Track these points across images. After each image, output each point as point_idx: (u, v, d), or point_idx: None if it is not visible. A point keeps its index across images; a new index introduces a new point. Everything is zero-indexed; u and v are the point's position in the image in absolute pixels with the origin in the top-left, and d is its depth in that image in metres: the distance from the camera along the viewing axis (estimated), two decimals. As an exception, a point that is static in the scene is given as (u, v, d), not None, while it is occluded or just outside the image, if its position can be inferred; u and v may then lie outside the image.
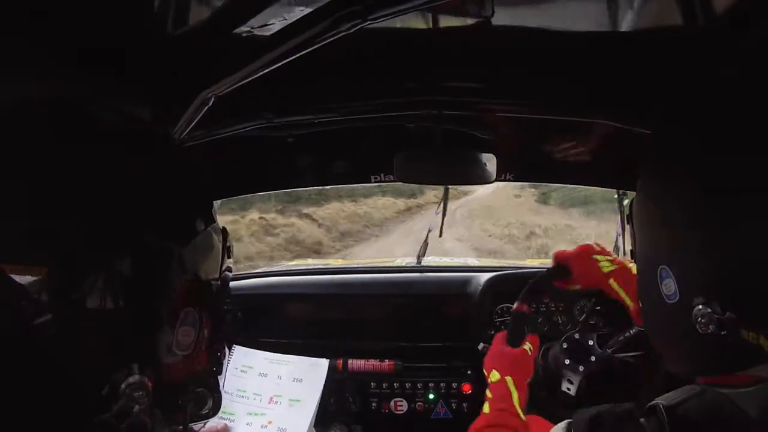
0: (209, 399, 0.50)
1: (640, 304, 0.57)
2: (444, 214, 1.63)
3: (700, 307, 0.44)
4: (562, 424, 0.54)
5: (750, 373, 0.46)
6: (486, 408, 0.88)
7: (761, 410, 0.43)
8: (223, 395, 1.00)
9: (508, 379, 0.91)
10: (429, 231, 1.70)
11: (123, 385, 0.41)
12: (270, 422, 0.99)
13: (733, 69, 0.65)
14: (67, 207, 0.40)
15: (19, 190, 0.38)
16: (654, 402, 0.48)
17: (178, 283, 0.46)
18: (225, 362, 0.54)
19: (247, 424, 0.99)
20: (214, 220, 0.54)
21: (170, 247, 0.46)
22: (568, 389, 1.12)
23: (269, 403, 1.02)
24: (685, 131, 0.51)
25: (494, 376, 0.93)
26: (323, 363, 1.06)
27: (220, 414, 0.98)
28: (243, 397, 1.03)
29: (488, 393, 0.91)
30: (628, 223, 0.58)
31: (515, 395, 0.89)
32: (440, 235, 1.70)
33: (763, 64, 0.62)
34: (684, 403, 0.46)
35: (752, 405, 0.43)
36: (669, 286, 0.48)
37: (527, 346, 0.99)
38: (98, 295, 0.39)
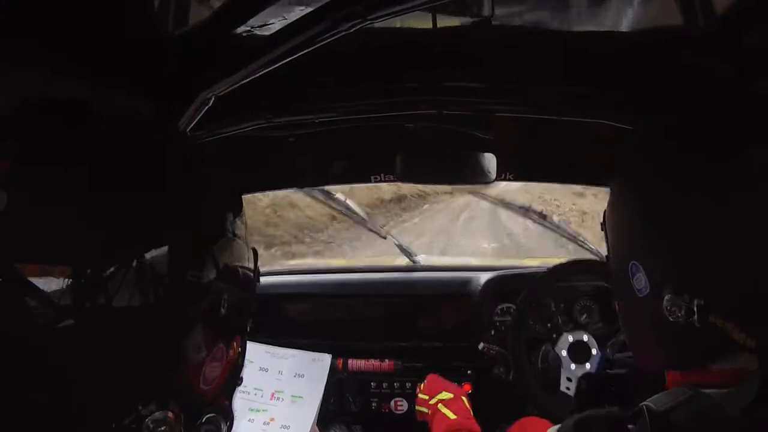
0: (223, 425, 0.48)
1: (616, 302, 0.59)
2: None
3: (670, 296, 0.46)
4: (553, 429, 0.54)
5: (726, 368, 0.47)
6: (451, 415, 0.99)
7: (742, 411, 0.43)
8: None
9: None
10: None
11: (148, 420, 0.40)
12: (272, 419, 0.98)
13: (726, 69, 0.66)
14: (84, 209, 0.38)
15: (39, 191, 0.37)
16: (641, 405, 0.48)
17: (209, 313, 0.44)
18: (237, 383, 0.52)
19: (249, 420, 0.99)
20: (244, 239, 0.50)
21: (199, 269, 0.43)
22: (567, 389, 1.12)
23: (271, 399, 1.01)
24: (663, 130, 0.53)
25: (446, 395, 1.06)
26: (326, 358, 1.05)
27: None
28: (244, 392, 1.02)
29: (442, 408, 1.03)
30: (602, 229, 0.59)
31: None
32: None
33: (763, 64, 0.62)
34: (672, 409, 0.46)
35: (736, 405, 0.44)
36: (640, 280, 0.50)
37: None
38: (116, 307, 0.37)
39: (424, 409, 1.06)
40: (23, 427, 0.37)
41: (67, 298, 0.36)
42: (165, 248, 0.40)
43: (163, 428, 0.41)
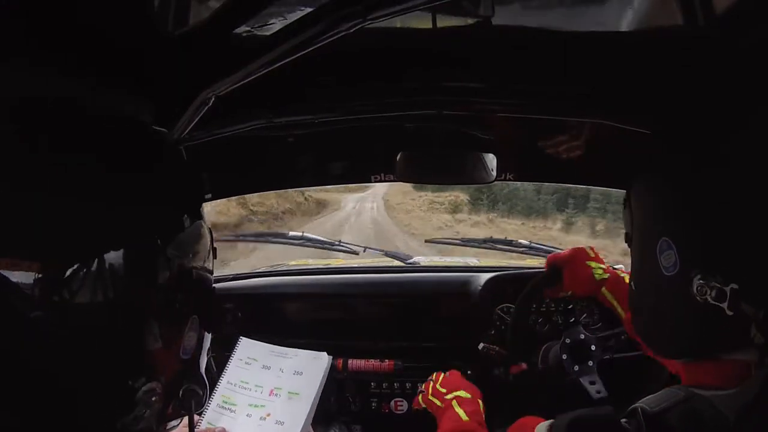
0: (201, 393, 0.52)
1: (632, 285, 0.57)
2: None
3: (702, 276, 0.45)
4: (545, 424, 0.54)
5: (740, 359, 0.46)
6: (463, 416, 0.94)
7: (739, 415, 0.43)
8: (226, 386, 1.02)
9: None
10: None
11: (140, 393, 0.43)
12: (268, 414, 0.99)
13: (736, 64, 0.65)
14: (64, 205, 0.40)
15: (16, 189, 0.39)
16: (635, 405, 0.48)
17: (179, 285, 0.47)
18: (206, 354, 0.56)
19: (247, 415, 1.00)
20: (203, 219, 0.55)
21: (168, 248, 0.46)
22: (599, 392, 1.11)
23: (269, 395, 1.02)
24: (700, 116, 0.52)
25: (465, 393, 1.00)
26: (324, 357, 1.06)
27: (222, 403, 1.00)
28: (245, 388, 1.03)
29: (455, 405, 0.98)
30: (624, 207, 0.58)
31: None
32: None
33: (762, 64, 0.62)
34: (667, 410, 0.46)
35: (731, 409, 0.44)
36: (669, 257, 0.48)
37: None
38: (95, 294, 0.40)
39: (437, 401, 1.02)
40: (29, 404, 0.39)
41: (59, 290, 0.38)
42: (153, 240, 0.44)
43: (154, 398, 0.44)
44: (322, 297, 1.48)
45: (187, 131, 0.58)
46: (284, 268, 1.77)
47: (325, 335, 1.39)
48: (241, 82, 0.55)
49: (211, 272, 0.56)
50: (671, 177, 0.52)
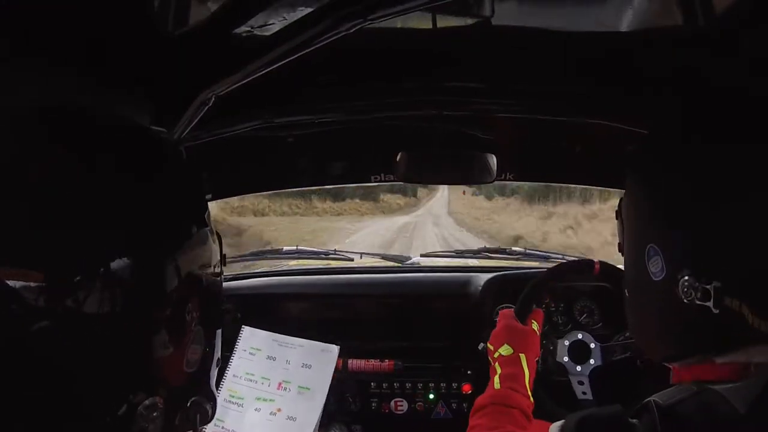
0: (208, 406, 0.50)
1: (626, 293, 0.58)
2: None
3: (686, 278, 0.46)
4: (557, 425, 0.54)
5: (734, 360, 0.47)
6: (496, 383, 0.84)
7: (750, 406, 0.43)
8: (231, 378, 1.01)
9: (522, 356, 0.87)
10: None
11: (140, 408, 0.41)
12: (279, 409, 0.98)
13: (732, 71, 0.66)
14: (65, 213, 0.39)
15: (19, 197, 0.38)
16: (647, 399, 0.48)
17: (184, 295, 0.45)
18: (216, 367, 0.54)
19: (256, 409, 0.99)
20: (209, 224, 0.52)
21: (172, 255, 0.44)
22: (584, 393, 1.11)
23: (278, 388, 1.01)
24: (684, 123, 0.53)
25: (506, 350, 0.89)
26: (333, 349, 1.05)
27: (229, 398, 0.98)
28: (251, 380, 1.02)
29: (497, 367, 0.87)
30: (617, 218, 0.60)
31: (527, 375, 0.85)
32: None
33: (762, 64, 0.62)
34: (679, 403, 0.47)
35: (742, 401, 0.44)
36: (656, 263, 0.50)
37: (534, 325, 0.97)
38: (99, 305, 0.38)
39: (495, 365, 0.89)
40: (22, 426, 0.37)
41: (54, 301, 0.36)
42: (151, 247, 0.42)
43: (155, 414, 0.42)
44: (322, 297, 1.48)
45: (187, 131, 0.58)
46: (284, 269, 1.77)
47: (325, 335, 1.39)
48: (241, 82, 0.55)
49: (220, 282, 0.53)
50: (648, 183, 0.54)
